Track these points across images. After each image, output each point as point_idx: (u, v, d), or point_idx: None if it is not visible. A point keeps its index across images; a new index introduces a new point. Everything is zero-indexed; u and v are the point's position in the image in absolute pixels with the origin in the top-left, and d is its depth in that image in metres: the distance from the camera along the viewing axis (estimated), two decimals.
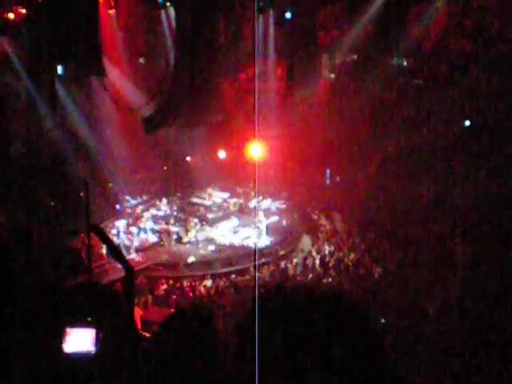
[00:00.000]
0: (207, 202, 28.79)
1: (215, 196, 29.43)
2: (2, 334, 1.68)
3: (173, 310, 14.29)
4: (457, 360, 14.61)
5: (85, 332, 2.87)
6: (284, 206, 28.63)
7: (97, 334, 2.89)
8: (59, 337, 1.96)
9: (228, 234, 26.03)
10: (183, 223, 26.43)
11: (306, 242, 25.61)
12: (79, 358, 2.78)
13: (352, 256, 22.90)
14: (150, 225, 26.76)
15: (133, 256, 23.69)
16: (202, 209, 28.20)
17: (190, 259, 23.95)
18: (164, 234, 25.63)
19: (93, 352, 2.81)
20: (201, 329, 3.14)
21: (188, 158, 31.62)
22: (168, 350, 3.07)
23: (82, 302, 3.15)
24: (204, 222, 26.63)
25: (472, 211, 23.26)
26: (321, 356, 1.82)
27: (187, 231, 25.62)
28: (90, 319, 2.92)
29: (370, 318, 1.92)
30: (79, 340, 2.83)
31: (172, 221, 27.05)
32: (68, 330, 2.67)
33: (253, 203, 28.24)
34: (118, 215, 27.87)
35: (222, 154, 30.60)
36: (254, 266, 22.48)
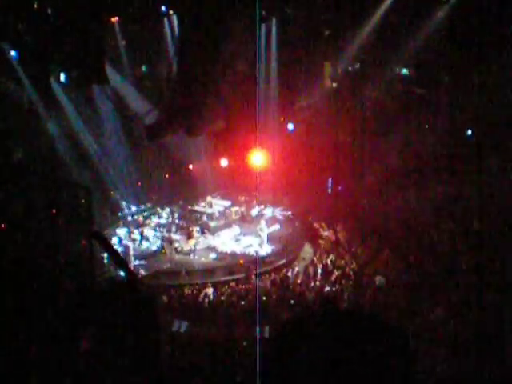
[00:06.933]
0: (209, 210, 28.80)
1: (217, 204, 29.46)
2: (17, 343, 1.68)
3: None
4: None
5: (98, 343, 2.87)
6: (286, 215, 28.64)
7: (109, 344, 2.88)
8: (74, 347, 1.95)
9: (229, 242, 26.01)
10: (185, 231, 26.42)
11: (307, 250, 25.57)
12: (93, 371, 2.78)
13: (354, 265, 22.84)
14: (151, 233, 26.79)
15: (134, 264, 23.67)
16: (203, 217, 28.21)
17: (192, 267, 23.92)
18: (166, 242, 25.60)
19: (106, 364, 2.81)
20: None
21: (190, 166, 31.66)
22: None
23: (92, 311, 3.15)
24: (206, 230, 26.63)
25: (473, 220, 23.28)
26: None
27: (189, 239, 25.58)
28: (103, 330, 2.92)
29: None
30: (92, 351, 2.83)
31: (174, 229, 27.08)
32: (81, 341, 2.66)
33: (254, 212, 28.25)
34: (120, 223, 27.92)
35: (224, 163, 30.63)
36: (256, 275, 22.45)
